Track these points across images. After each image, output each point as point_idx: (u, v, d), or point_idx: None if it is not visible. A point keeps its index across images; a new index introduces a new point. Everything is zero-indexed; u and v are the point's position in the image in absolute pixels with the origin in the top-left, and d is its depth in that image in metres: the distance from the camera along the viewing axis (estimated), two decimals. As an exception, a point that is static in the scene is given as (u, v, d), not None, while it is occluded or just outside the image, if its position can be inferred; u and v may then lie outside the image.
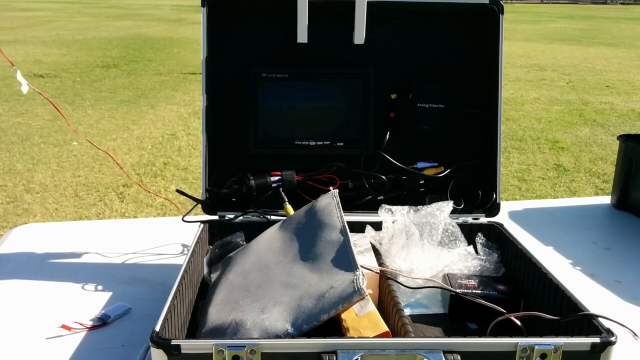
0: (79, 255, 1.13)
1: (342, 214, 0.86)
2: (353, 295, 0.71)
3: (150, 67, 8.38)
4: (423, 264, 0.92)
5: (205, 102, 1.04)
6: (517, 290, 0.89)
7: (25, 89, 1.10)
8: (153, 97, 6.38)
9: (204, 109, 1.04)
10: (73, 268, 1.08)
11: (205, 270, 0.95)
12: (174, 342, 0.64)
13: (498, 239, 1.02)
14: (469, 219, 1.04)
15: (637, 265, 1.14)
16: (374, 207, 1.02)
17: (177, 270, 0.81)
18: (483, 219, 1.05)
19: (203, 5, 1.03)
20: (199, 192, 1.07)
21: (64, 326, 0.88)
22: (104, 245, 1.18)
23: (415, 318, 0.89)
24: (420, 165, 1.09)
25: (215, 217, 1.04)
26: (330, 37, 1.07)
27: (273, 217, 1.02)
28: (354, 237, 0.93)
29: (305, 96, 1.07)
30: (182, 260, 0.85)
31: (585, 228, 1.32)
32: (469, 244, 0.99)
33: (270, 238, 0.91)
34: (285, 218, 0.95)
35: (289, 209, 1.02)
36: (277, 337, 0.69)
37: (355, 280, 0.73)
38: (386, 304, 0.83)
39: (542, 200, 1.55)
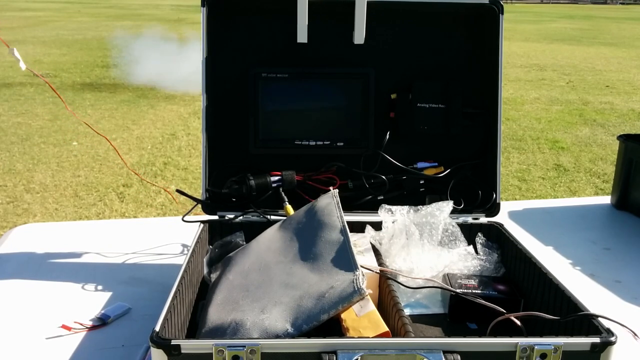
0: (79, 255, 1.13)
1: (342, 214, 0.86)
2: (353, 295, 0.71)
3: (150, 67, 8.38)
4: (423, 264, 0.92)
5: (205, 102, 1.04)
6: (517, 290, 0.89)
7: (23, 66, 1.13)
8: (153, 97, 6.37)
9: (204, 109, 1.04)
10: (73, 268, 1.08)
11: (205, 270, 0.95)
12: (174, 342, 0.64)
13: (498, 239, 1.02)
14: (469, 219, 1.04)
15: (637, 265, 1.14)
16: (374, 207, 1.02)
17: (177, 270, 0.81)
18: (483, 219, 1.05)
19: (203, 5, 1.03)
20: (199, 192, 1.07)
21: (64, 326, 0.88)
22: (104, 245, 1.18)
23: (415, 318, 0.89)
24: (420, 165, 1.09)
25: (215, 217, 1.04)
26: (330, 37, 1.07)
27: (273, 217, 1.02)
28: (354, 237, 0.93)
29: (305, 96, 1.07)
30: (182, 260, 0.85)
31: (585, 228, 1.32)
32: (469, 244, 0.99)
33: (270, 238, 0.91)
34: (285, 218, 0.95)
35: (289, 209, 1.02)
36: (277, 337, 0.69)
37: (355, 280, 0.73)
38: (386, 304, 0.83)
39: (542, 200, 1.55)
